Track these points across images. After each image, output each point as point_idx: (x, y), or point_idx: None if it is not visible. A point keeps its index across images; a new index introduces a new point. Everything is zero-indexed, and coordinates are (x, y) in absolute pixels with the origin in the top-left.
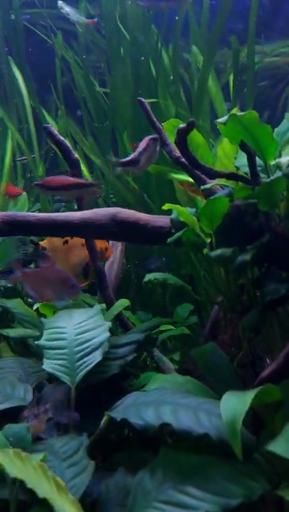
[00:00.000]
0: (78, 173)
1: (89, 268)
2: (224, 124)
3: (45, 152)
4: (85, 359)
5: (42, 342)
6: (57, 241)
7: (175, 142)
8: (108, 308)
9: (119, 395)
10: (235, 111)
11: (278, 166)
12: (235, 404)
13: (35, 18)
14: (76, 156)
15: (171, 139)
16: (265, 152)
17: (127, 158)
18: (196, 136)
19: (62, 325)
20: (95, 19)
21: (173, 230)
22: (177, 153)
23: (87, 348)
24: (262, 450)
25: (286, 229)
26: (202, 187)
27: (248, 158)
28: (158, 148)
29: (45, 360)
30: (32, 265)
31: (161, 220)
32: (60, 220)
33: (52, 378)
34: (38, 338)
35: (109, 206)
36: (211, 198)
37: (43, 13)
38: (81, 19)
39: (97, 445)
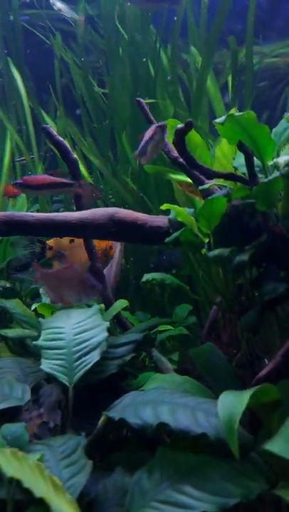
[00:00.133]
0: (77, 174)
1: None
2: (222, 124)
3: (45, 153)
4: (83, 359)
5: (40, 342)
6: (63, 240)
7: (173, 142)
8: (107, 308)
9: (118, 395)
10: (233, 111)
11: (276, 166)
12: (232, 403)
13: (34, 19)
14: (75, 156)
15: (169, 140)
16: (263, 152)
17: (136, 151)
18: (194, 137)
19: (60, 325)
20: (83, 17)
21: (171, 230)
22: (175, 153)
23: (85, 347)
24: (260, 450)
25: (284, 229)
26: (200, 187)
27: (245, 158)
28: (165, 135)
29: (43, 360)
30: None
31: (159, 220)
32: (58, 220)
33: (50, 378)
34: (36, 338)
35: (108, 206)
36: (209, 198)
37: (41, 14)
38: (74, 15)
39: (95, 445)
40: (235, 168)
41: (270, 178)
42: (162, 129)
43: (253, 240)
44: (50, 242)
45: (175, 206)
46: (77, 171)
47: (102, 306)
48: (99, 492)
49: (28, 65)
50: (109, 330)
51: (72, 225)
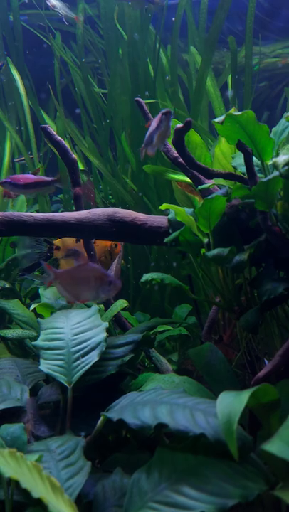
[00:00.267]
0: (76, 173)
1: (102, 265)
2: (221, 123)
3: (44, 153)
4: (82, 359)
5: (39, 343)
6: (69, 239)
7: (172, 142)
8: (106, 309)
9: (116, 396)
10: (232, 111)
11: (275, 166)
12: (231, 403)
13: (34, 20)
14: (74, 156)
15: (168, 139)
16: (262, 151)
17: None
18: (194, 137)
19: (59, 325)
20: (79, 16)
21: (170, 230)
22: (175, 153)
23: (84, 348)
24: (259, 450)
25: (283, 228)
26: (199, 187)
27: (245, 158)
28: (171, 123)
29: (42, 360)
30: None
31: (159, 220)
32: (56, 220)
33: (49, 379)
34: (36, 338)
35: (107, 206)
36: (208, 197)
37: (41, 14)
38: (68, 13)
39: (94, 446)
40: (235, 168)
41: (269, 177)
42: (168, 116)
43: (253, 240)
44: (57, 242)
45: (174, 206)
46: (77, 170)
47: (102, 306)
48: (97, 493)
49: (28, 65)
50: (108, 330)
51: (71, 225)
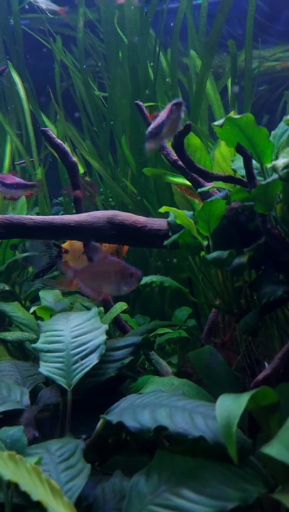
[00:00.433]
0: (76, 176)
1: None
2: (221, 126)
3: (45, 156)
4: (82, 362)
5: (38, 345)
6: (77, 242)
7: (172, 145)
8: (106, 311)
9: (116, 398)
10: (232, 114)
11: (274, 169)
12: (230, 406)
13: (35, 24)
14: (74, 159)
15: (168, 142)
16: (261, 154)
17: (148, 130)
18: (194, 140)
19: (59, 328)
20: (64, 8)
21: (170, 233)
22: (174, 156)
23: (83, 350)
24: (258, 453)
25: (282, 231)
26: (199, 190)
27: (244, 161)
28: (182, 114)
29: (41, 363)
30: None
31: (158, 223)
32: (56, 223)
33: (49, 381)
34: (35, 341)
35: (107, 209)
36: (208, 200)
37: (42, 18)
38: (51, 6)
39: (94, 448)
40: (234, 171)
41: (268, 180)
42: (179, 107)
43: (252, 243)
44: (65, 245)
45: (174, 209)
46: (77, 173)
47: (101, 309)
48: (97, 495)
49: (28, 68)
50: (108, 333)
51: (71, 227)
